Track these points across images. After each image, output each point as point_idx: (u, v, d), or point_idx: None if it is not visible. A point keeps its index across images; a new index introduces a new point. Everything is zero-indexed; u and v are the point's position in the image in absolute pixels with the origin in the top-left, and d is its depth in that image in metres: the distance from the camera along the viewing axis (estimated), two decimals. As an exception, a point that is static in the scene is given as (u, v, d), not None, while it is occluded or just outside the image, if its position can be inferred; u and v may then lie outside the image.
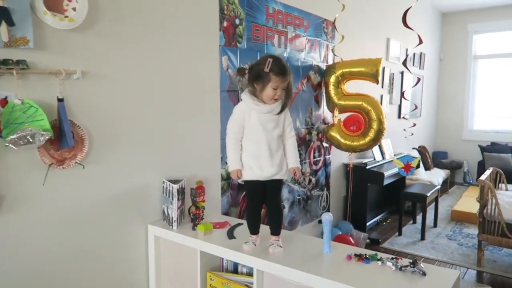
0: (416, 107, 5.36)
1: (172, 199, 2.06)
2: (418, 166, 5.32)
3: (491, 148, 6.34)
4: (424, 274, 1.51)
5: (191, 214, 2.11)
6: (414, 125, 4.52)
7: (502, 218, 3.27)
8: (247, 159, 1.81)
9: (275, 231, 1.85)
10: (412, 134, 4.75)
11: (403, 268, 1.55)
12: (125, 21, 1.94)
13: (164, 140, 2.21)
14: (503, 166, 5.69)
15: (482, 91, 6.97)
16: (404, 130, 4.80)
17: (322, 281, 1.50)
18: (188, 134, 2.35)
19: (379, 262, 1.62)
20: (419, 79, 3.95)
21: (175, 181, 2.13)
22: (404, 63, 3.57)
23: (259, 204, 1.88)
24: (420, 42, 3.25)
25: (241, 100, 1.82)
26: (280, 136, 1.83)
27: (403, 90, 5.29)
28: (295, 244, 1.83)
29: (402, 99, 5.44)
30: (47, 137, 1.57)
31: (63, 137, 1.68)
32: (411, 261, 1.56)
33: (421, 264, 1.55)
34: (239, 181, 1.85)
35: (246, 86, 1.84)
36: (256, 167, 1.79)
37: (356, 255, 1.68)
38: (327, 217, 1.74)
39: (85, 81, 1.79)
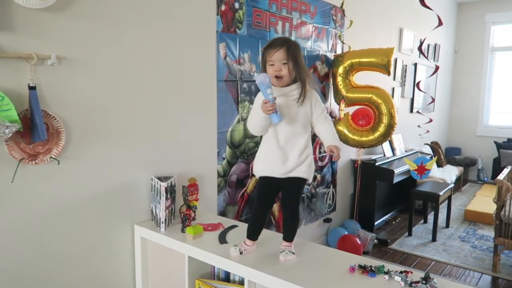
0: (433, 100, 5.07)
1: (160, 198, 1.89)
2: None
3: (508, 145, 6.05)
4: (438, 292, 1.31)
5: (182, 214, 1.94)
6: (431, 120, 4.25)
7: (521, 221, 3.05)
8: (260, 152, 1.68)
9: (289, 237, 1.65)
10: (428, 131, 4.49)
11: (413, 285, 1.35)
12: (108, 1, 1.75)
13: (154, 134, 2.03)
14: (520, 164, 5.44)
15: (498, 85, 6.65)
16: (419, 126, 4.55)
17: (320, 298, 1.32)
18: (180, 128, 2.16)
19: (386, 276, 1.42)
20: (437, 67, 3.70)
21: (165, 178, 1.96)
22: (420, 48, 3.33)
23: (266, 207, 1.68)
24: (440, 23, 3.01)
25: None
26: (300, 127, 1.60)
27: (418, 80, 5.00)
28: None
29: (415, 92, 5.17)
30: (13, 130, 1.40)
31: (34, 129, 1.51)
32: (422, 276, 1.37)
33: (434, 280, 1.36)
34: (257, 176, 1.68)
35: None
36: (265, 162, 1.64)
37: (360, 266, 1.49)
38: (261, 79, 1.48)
39: (61, 67, 1.61)
